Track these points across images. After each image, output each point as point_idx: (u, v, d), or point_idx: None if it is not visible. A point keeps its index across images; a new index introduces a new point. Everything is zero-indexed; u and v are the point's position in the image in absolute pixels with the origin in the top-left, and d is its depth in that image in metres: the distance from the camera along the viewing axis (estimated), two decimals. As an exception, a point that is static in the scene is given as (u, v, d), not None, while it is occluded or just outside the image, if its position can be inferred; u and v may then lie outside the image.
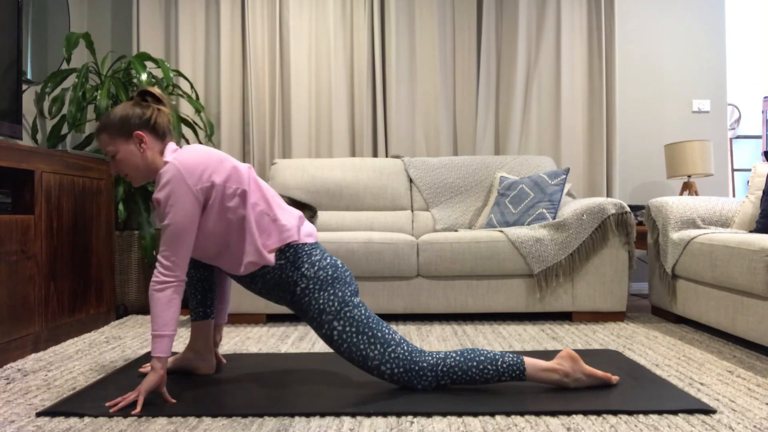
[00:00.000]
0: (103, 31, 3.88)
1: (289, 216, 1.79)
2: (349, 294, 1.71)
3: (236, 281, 1.85)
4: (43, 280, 2.35)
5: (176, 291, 1.63)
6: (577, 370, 1.68)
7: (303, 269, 1.72)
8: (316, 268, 1.72)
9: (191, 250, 1.67)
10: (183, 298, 3.33)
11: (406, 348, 1.67)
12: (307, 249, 1.75)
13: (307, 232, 1.80)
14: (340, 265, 1.77)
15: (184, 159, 1.64)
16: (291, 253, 1.73)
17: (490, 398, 1.62)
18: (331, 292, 1.70)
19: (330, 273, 1.73)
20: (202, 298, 1.92)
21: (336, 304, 1.69)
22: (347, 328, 1.67)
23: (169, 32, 3.78)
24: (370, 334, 1.67)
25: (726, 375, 1.88)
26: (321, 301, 1.69)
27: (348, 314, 1.68)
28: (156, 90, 1.77)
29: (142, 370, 1.93)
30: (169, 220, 1.61)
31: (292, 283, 1.72)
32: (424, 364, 1.65)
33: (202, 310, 1.92)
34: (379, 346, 1.66)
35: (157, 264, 1.64)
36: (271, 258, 1.70)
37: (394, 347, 1.66)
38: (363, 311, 1.70)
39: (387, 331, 1.69)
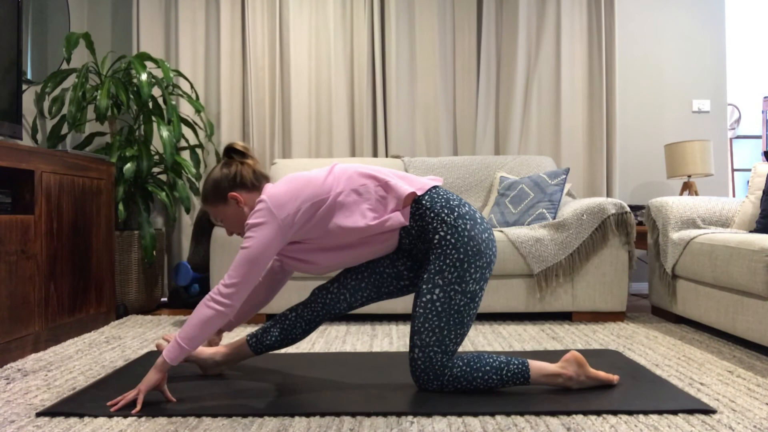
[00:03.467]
0: (103, 31, 3.88)
1: (402, 175, 1.76)
2: (471, 273, 1.64)
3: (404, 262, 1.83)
4: (43, 280, 2.35)
5: (220, 316, 1.59)
6: (581, 374, 1.68)
7: (443, 214, 1.66)
8: (455, 214, 1.66)
9: (254, 282, 1.63)
10: (183, 299, 3.33)
11: (443, 360, 1.63)
12: (442, 192, 1.71)
13: (432, 177, 1.78)
14: (479, 219, 1.70)
15: (272, 194, 1.66)
16: (427, 199, 1.69)
17: (490, 398, 1.62)
18: (460, 257, 1.63)
19: (468, 228, 1.65)
20: (274, 345, 1.85)
21: (455, 275, 1.63)
22: (437, 304, 1.62)
23: (169, 32, 3.78)
24: (443, 325, 1.62)
25: (726, 375, 1.88)
26: (448, 261, 1.63)
27: (452, 293, 1.62)
28: (238, 144, 1.80)
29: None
30: (247, 243, 1.61)
31: (432, 230, 1.67)
32: (438, 374, 1.64)
33: (260, 349, 1.86)
34: (434, 339, 1.62)
35: (221, 281, 1.62)
36: (400, 219, 1.65)
37: (437, 351, 1.63)
38: (462, 303, 1.63)
39: (454, 339, 1.64)
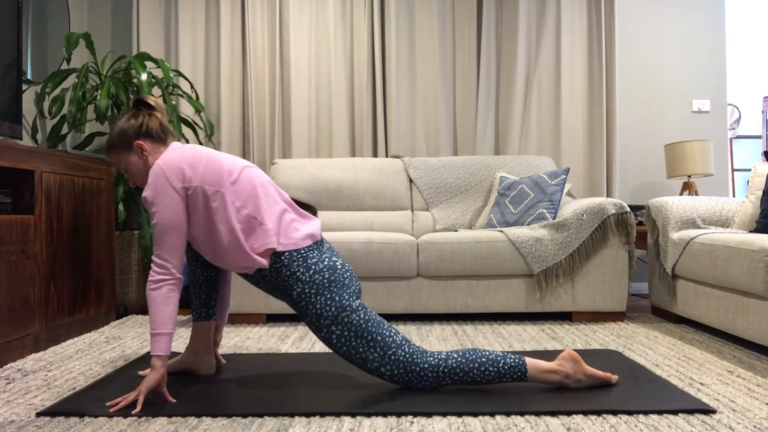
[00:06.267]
0: (103, 31, 3.88)
1: (287, 219, 1.77)
2: (346, 297, 1.68)
3: (245, 279, 1.85)
4: (43, 280, 2.35)
5: (172, 289, 1.64)
6: (578, 371, 1.68)
7: (298, 273, 1.70)
8: (311, 272, 1.69)
9: (182, 247, 1.68)
10: (182, 297, 3.33)
11: (407, 350, 1.66)
12: (303, 252, 1.73)
13: (306, 234, 1.76)
14: (339, 267, 1.73)
15: (167, 158, 1.69)
16: (286, 256, 1.71)
17: (490, 398, 1.62)
18: (328, 296, 1.67)
19: (326, 276, 1.69)
20: (206, 298, 1.93)
21: (333, 309, 1.67)
22: (345, 332, 1.66)
23: (169, 32, 3.78)
24: (369, 338, 1.65)
25: (726, 375, 1.88)
26: (318, 306, 1.67)
27: (345, 319, 1.66)
28: (148, 97, 1.84)
29: (141, 373, 1.92)
30: (155, 218, 1.65)
31: (288, 287, 1.71)
32: (425, 365, 1.64)
33: (205, 311, 1.93)
34: (378, 349, 1.65)
35: (152, 263, 1.66)
36: (263, 261, 1.70)
37: (394, 350, 1.65)
38: (362, 315, 1.67)
39: (387, 333, 1.67)
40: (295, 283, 1.70)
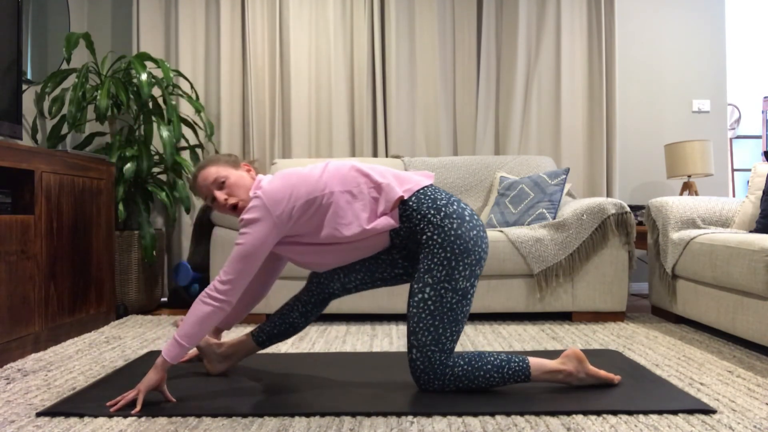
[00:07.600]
0: (103, 31, 3.88)
1: (395, 174, 1.78)
2: (460, 269, 1.64)
3: (387, 266, 1.84)
4: (43, 280, 2.35)
5: (217, 312, 1.62)
6: (582, 370, 1.69)
7: (429, 215, 1.67)
8: (442, 214, 1.67)
9: (250, 276, 1.66)
10: (182, 298, 3.33)
11: (442, 358, 1.64)
12: (429, 192, 1.72)
13: (423, 175, 1.79)
14: (467, 217, 1.69)
15: (266, 189, 1.70)
16: (414, 201, 1.70)
17: (490, 398, 1.62)
18: (449, 255, 1.64)
19: (454, 227, 1.65)
20: (277, 333, 1.91)
21: (443, 273, 1.63)
22: (429, 302, 1.63)
23: (169, 32, 3.78)
24: (438, 324, 1.63)
25: (726, 375, 1.88)
26: (435, 260, 1.64)
27: (442, 290, 1.63)
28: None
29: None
30: (242, 239, 1.65)
31: (419, 232, 1.69)
32: (439, 373, 1.65)
33: (264, 338, 1.91)
34: (430, 338, 1.63)
35: (216, 277, 1.66)
36: (394, 221, 1.69)
37: (435, 350, 1.63)
38: (453, 300, 1.63)
39: (449, 333, 1.64)
40: (426, 226, 1.67)
